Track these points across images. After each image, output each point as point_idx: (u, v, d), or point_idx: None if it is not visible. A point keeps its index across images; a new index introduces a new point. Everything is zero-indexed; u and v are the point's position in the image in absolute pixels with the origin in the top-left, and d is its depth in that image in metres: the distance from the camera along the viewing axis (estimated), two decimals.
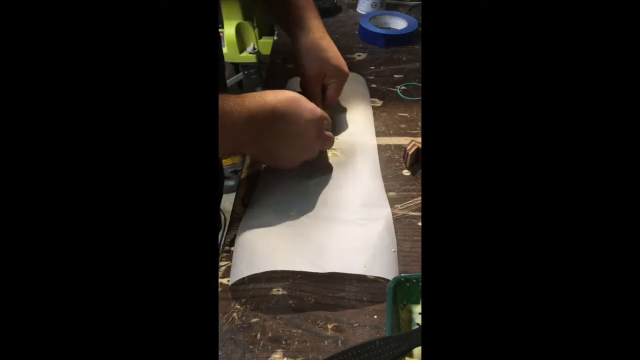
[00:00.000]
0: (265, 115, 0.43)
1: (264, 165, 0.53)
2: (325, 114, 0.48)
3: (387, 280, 0.38)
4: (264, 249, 0.42)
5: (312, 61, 0.56)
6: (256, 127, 0.43)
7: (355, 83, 0.68)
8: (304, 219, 0.46)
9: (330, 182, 0.51)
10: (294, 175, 0.51)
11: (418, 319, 0.37)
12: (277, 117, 0.44)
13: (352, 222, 0.46)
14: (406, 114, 0.64)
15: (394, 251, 0.43)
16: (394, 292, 0.36)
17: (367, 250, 0.42)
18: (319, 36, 0.57)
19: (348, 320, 0.39)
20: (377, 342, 0.31)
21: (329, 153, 0.55)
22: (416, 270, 0.42)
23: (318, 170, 0.52)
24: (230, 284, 0.40)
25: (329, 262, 0.41)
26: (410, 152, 0.53)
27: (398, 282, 0.36)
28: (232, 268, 0.41)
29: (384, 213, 0.47)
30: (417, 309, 0.38)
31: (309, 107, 0.46)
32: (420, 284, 0.36)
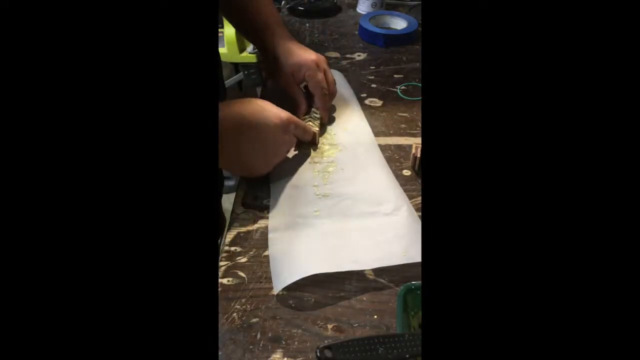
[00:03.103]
0: (233, 124, 0.44)
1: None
2: (292, 117, 0.50)
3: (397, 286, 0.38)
4: (302, 253, 0.42)
5: (288, 61, 0.58)
6: (224, 137, 0.43)
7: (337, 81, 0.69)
8: (331, 217, 0.47)
9: (344, 176, 0.52)
10: (307, 175, 0.52)
11: None
12: (244, 125, 0.45)
13: (376, 214, 0.46)
14: (406, 114, 0.64)
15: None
16: (404, 300, 0.35)
17: (401, 238, 0.43)
18: (288, 39, 0.60)
19: (348, 320, 0.39)
20: (407, 336, 0.31)
21: (334, 148, 0.56)
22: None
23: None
24: (275, 293, 0.40)
25: (369, 258, 0.41)
26: (419, 156, 0.52)
27: (408, 290, 0.36)
28: (273, 277, 0.41)
29: (403, 201, 0.48)
30: None
31: (274, 112, 0.48)
32: None
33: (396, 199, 0.48)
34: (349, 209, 0.47)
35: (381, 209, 0.47)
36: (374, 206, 0.47)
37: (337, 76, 0.70)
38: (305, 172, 0.52)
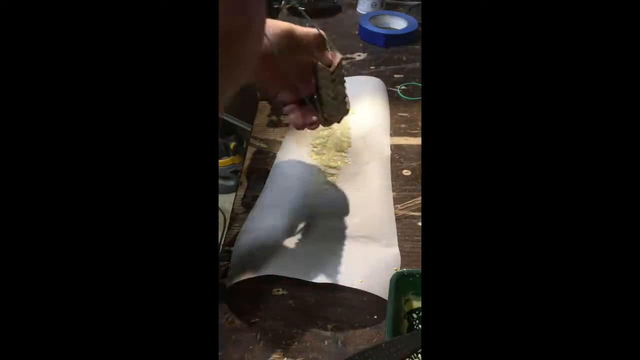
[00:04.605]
0: None
1: (271, 167, 0.53)
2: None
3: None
4: (264, 252, 0.42)
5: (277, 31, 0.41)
6: None
7: (376, 89, 0.66)
8: (309, 225, 0.46)
9: (339, 192, 0.50)
10: (305, 177, 0.51)
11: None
12: None
13: (354, 237, 0.45)
14: (406, 114, 0.64)
15: (396, 270, 0.41)
16: (396, 286, 0.36)
17: (365, 267, 0.41)
18: None
19: (348, 320, 0.39)
20: (384, 345, 0.31)
21: (340, 161, 0.54)
22: None
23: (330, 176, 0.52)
24: (228, 285, 0.40)
25: (325, 273, 0.40)
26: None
27: (400, 276, 0.36)
28: (230, 269, 0.41)
29: (389, 234, 0.46)
30: (419, 303, 0.38)
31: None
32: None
33: (380, 231, 0.46)
34: (331, 223, 0.46)
35: (360, 235, 0.45)
36: (354, 229, 0.46)
37: (374, 82, 0.67)
38: (307, 173, 0.51)
